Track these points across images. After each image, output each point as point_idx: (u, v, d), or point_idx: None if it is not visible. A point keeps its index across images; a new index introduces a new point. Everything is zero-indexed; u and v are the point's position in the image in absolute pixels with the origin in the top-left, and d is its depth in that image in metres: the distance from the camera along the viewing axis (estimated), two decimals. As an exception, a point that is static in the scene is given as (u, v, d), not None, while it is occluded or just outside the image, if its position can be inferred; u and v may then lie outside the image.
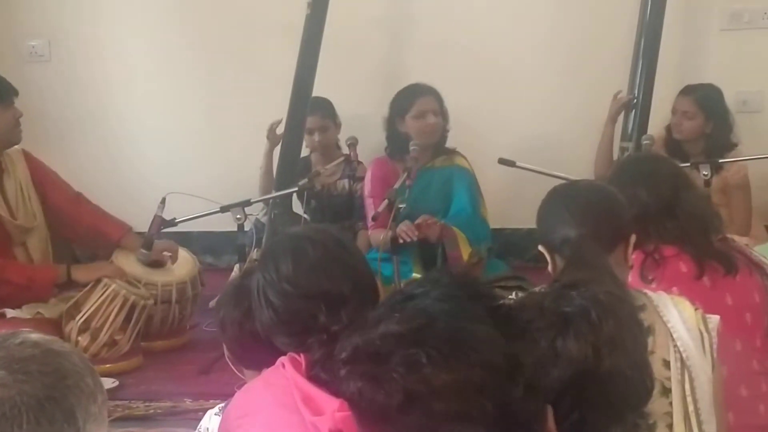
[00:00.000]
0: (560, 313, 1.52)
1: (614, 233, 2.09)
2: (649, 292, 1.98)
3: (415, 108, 4.55)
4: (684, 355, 1.86)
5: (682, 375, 1.86)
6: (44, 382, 1.20)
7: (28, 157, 4.09)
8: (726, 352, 2.08)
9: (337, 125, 4.89)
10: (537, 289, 1.92)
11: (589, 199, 2.14)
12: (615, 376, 1.48)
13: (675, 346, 1.87)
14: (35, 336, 1.28)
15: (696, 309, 1.96)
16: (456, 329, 1.15)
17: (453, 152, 4.69)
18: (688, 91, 4.60)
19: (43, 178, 4.12)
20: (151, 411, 3.40)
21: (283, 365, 1.73)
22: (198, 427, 2.26)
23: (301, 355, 1.74)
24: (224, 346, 2.32)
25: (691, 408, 1.84)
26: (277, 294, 1.77)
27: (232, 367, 3.35)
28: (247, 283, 2.21)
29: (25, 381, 1.20)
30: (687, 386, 1.85)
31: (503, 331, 1.18)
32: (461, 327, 1.16)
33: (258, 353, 2.15)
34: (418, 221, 4.30)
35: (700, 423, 1.85)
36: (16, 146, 4.05)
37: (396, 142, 4.63)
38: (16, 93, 3.98)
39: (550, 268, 2.07)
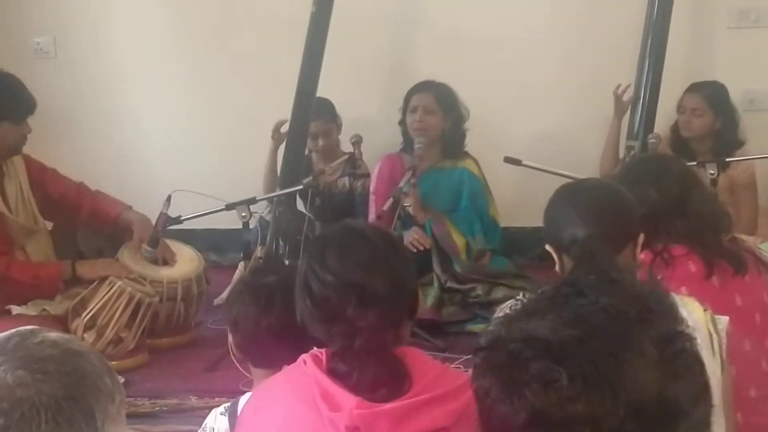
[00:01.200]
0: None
1: (623, 233, 2.08)
2: None
3: (410, 104, 4.63)
4: None
5: None
6: (63, 382, 1.20)
7: (28, 161, 4.09)
8: (735, 352, 2.08)
9: (339, 126, 4.90)
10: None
11: (597, 199, 2.13)
12: None
13: None
14: (54, 335, 1.27)
15: (705, 310, 1.95)
16: (610, 356, 1.01)
17: (464, 154, 4.69)
18: (695, 88, 4.59)
19: (41, 176, 4.13)
20: (157, 408, 3.40)
21: (305, 361, 1.74)
22: (203, 425, 2.25)
23: (323, 352, 1.75)
24: (231, 344, 2.32)
25: None
26: (318, 281, 1.78)
27: (238, 365, 3.36)
28: (259, 281, 2.24)
29: (44, 381, 1.19)
30: None
31: (667, 370, 1.03)
32: (617, 355, 1.01)
33: (271, 350, 2.16)
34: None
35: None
36: None
37: (405, 137, 4.70)
38: (32, 111, 3.94)
39: (557, 267, 2.06)
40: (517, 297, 1.93)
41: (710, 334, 1.91)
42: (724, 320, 1.95)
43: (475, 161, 4.71)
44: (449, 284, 4.19)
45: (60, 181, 4.20)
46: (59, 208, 4.17)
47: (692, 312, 1.92)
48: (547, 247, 2.09)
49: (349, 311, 1.71)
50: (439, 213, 4.51)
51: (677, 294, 1.99)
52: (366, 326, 1.69)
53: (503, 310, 1.96)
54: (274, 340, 2.16)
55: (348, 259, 1.78)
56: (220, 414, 2.21)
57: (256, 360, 2.28)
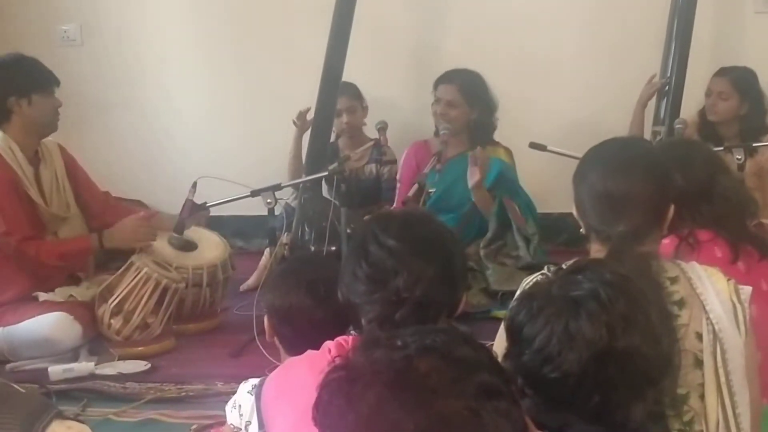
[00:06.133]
0: (569, 297, 1.56)
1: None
2: (683, 264, 1.98)
3: (435, 94, 4.58)
4: (716, 328, 1.88)
5: (714, 347, 1.87)
6: None
7: (63, 151, 4.10)
8: (761, 338, 2.06)
9: (364, 108, 4.90)
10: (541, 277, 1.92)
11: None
12: (631, 352, 1.53)
13: (707, 318, 1.88)
14: None
15: (729, 280, 1.96)
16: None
17: (494, 143, 4.65)
18: (723, 72, 4.58)
19: (76, 174, 4.14)
20: (183, 393, 3.41)
21: (330, 350, 1.73)
22: (233, 399, 2.23)
23: (348, 339, 1.75)
24: (269, 329, 2.31)
25: (722, 380, 1.85)
26: (377, 244, 1.80)
27: (263, 350, 3.38)
28: (315, 273, 2.25)
29: None
30: (719, 358, 1.86)
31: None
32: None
33: (317, 342, 2.14)
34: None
35: (732, 394, 1.87)
36: (51, 138, 4.05)
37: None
38: (57, 83, 3.97)
39: (583, 230, 2.06)
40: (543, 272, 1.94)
41: (734, 305, 1.92)
42: (747, 290, 1.96)
43: (507, 150, 4.66)
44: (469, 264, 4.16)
45: (88, 187, 4.20)
46: (84, 214, 4.16)
47: (716, 283, 1.93)
48: (575, 213, 2.09)
49: (399, 280, 1.73)
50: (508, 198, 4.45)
51: (701, 265, 1.99)
52: (412, 299, 1.71)
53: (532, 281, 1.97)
54: (320, 333, 2.15)
55: (411, 232, 1.82)
56: (247, 392, 2.21)
57: (294, 348, 2.26)
